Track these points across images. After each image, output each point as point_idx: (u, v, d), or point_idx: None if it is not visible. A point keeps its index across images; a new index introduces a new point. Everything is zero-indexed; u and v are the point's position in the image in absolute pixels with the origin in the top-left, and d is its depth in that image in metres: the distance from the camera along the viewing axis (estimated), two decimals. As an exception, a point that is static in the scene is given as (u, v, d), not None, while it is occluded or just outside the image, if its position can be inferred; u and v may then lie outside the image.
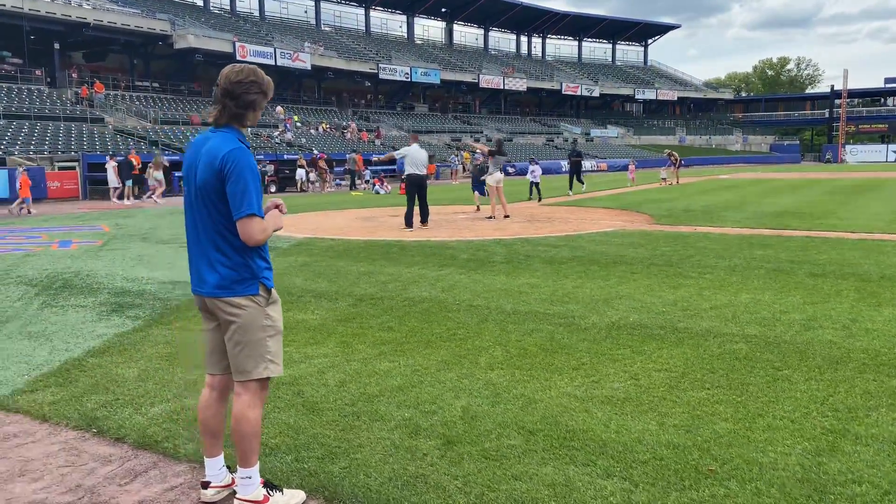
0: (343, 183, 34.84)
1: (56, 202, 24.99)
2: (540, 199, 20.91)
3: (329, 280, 8.36)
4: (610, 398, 4.24)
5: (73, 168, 26.76)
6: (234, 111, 2.97)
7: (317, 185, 32.69)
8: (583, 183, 26.02)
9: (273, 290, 3.07)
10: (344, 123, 52.02)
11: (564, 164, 53.49)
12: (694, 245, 10.68)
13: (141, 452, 3.71)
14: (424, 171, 13.28)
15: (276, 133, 42.00)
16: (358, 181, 32.82)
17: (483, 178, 16.67)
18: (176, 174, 27.56)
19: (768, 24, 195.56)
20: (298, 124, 47.82)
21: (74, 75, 41.35)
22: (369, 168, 34.35)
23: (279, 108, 49.76)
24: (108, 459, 3.65)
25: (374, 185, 28.51)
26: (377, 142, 49.44)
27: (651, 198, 21.93)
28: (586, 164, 54.74)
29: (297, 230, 14.14)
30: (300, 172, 31.67)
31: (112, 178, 24.92)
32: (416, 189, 13.18)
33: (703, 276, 8.09)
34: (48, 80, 39.87)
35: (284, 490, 3.15)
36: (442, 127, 61.34)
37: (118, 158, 25.54)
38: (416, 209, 13.36)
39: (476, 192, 18.09)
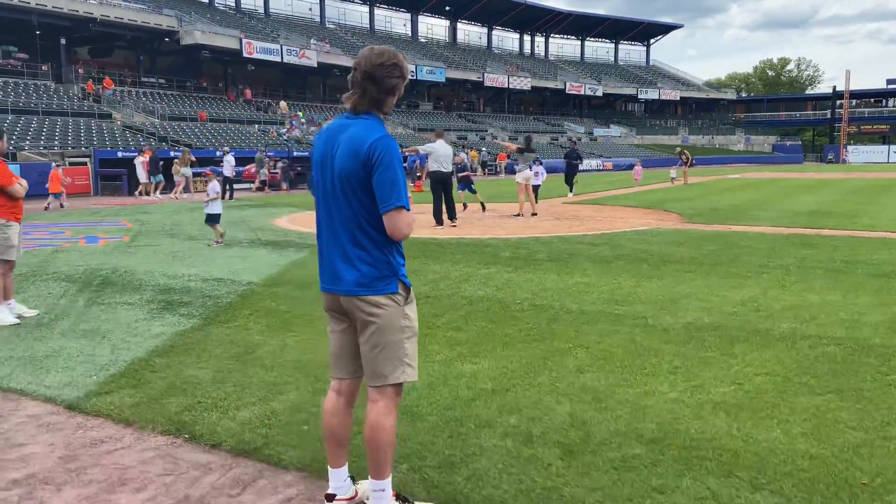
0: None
1: (68, 198, 24.65)
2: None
3: (376, 278, 8.14)
4: (720, 404, 4.05)
5: (85, 164, 26.48)
6: (375, 96, 2.76)
7: None
8: (573, 186, 22.92)
9: (411, 289, 2.87)
10: (349, 121, 51.67)
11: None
12: (737, 244, 10.49)
13: (241, 460, 3.51)
14: (449, 168, 13.10)
15: (284, 130, 41.74)
16: None
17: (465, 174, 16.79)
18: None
19: (766, 25, 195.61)
20: (304, 121, 47.59)
21: (81, 71, 41.05)
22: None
23: (282, 104, 49.47)
24: (209, 467, 3.45)
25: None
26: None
27: (670, 197, 21.74)
28: (591, 162, 54.64)
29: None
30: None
31: (141, 174, 25.20)
32: (441, 186, 12.98)
33: (760, 276, 7.90)
34: (55, 75, 39.56)
35: (416, 503, 2.96)
36: (447, 125, 61.02)
37: (148, 154, 25.81)
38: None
39: (463, 192, 16.98)
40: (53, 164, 21.73)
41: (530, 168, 14.79)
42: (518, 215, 14.94)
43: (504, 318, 6.12)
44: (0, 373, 4.88)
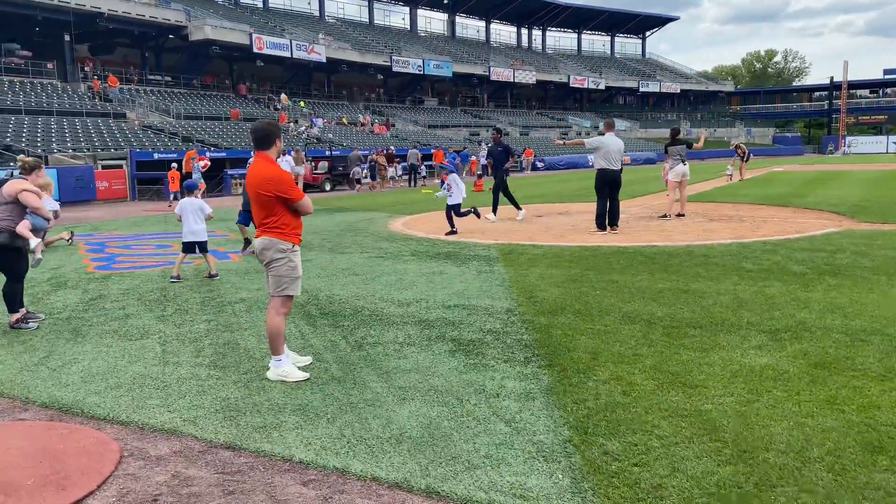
0: (402, 178, 32.64)
1: (105, 204, 22.84)
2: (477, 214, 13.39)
3: (652, 302, 6.69)
4: None
5: (120, 167, 24.62)
6: None
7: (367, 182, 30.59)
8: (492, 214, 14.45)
9: None
10: (360, 117, 50.10)
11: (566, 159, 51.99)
12: None
13: None
14: (619, 166, 11.46)
15: (303, 128, 39.99)
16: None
17: None
18: (229, 172, 25.72)
19: (738, 19, 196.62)
20: (305, 110, 45.90)
21: (87, 69, 38.97)
22: (424, 164, 32.69)
23: (283, 96, 47.60)
24: None
25: (441, 181, 26.61)
26: (388, 134, 47.69)
27: (773, 193, 20.55)
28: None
29: (454, 234, 12.43)
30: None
31: None
32: (609, 187, 11.40)
33: None
34: (60, 73, 37.46)
35: None
36: (455, 121, 59.66)
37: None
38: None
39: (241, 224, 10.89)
40: (174, 165, 20.46)
41: (684, 163, 13.25)
42: (664, 216, 13.50)
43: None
44: (407, 470, 3.40)
